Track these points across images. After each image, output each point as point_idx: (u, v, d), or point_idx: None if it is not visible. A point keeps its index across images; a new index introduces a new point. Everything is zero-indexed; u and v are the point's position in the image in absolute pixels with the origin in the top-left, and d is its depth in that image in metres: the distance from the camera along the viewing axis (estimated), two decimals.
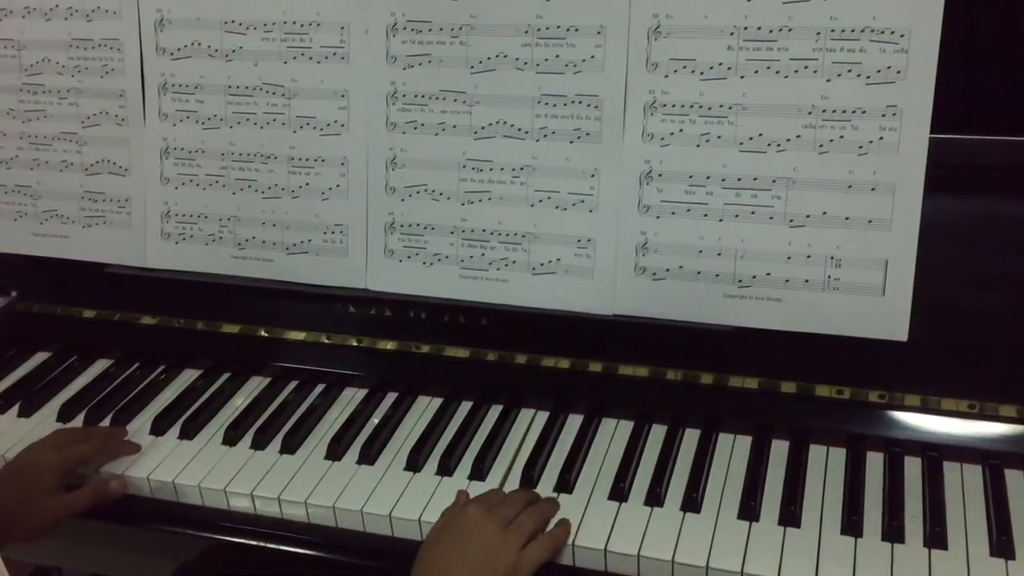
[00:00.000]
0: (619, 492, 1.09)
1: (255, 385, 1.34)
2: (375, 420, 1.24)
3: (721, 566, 0.99)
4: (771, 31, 1.06)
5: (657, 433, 1.18)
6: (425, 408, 1.26)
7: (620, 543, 1.02)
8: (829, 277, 1.09)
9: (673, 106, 1.11)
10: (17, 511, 1.09)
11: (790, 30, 1.06)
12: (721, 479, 1.10)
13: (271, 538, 1.13)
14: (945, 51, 1.01)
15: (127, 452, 1.20)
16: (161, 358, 1.40)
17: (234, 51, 1.28)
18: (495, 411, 1.24)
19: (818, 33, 1.05)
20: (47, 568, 1.66)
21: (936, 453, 1.10)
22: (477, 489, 1.10)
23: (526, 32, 1.15)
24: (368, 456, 1.17)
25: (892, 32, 1.02)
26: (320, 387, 1.32)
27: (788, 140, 1.08)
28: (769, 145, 1.08)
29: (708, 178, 1.11)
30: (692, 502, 1.06)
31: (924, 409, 1.10)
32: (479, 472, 1.14)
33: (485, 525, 1.01)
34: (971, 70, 1.05)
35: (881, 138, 1.05)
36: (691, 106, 1.10)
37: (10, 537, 1.08)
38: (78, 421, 1.29)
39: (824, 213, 1.08)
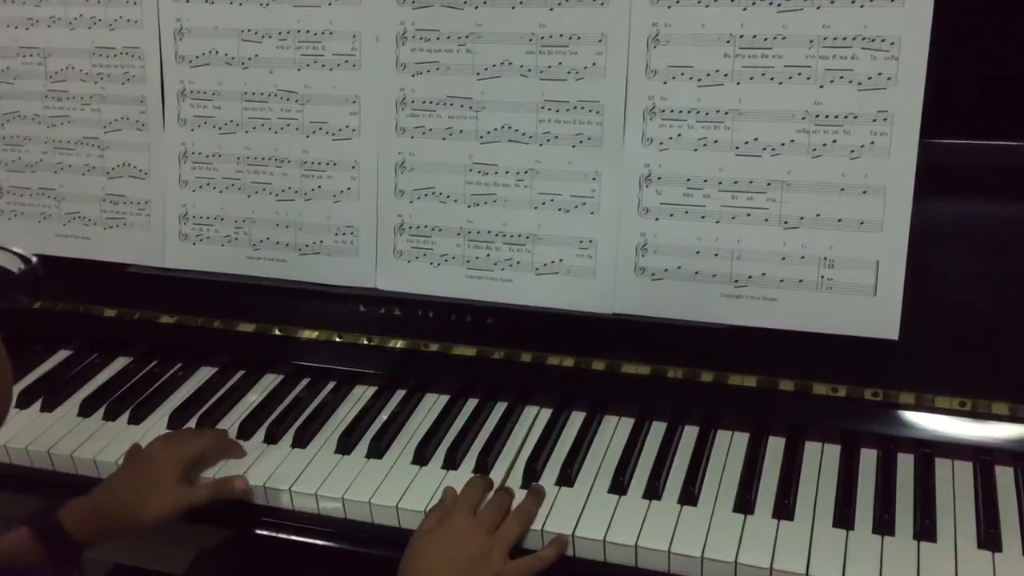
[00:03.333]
0: (619, 485, 1.12)
1: (269, 382, 1.38)
2: (384, 416, 1.27)
3: (716, 556, 1.01)
4: (766, 39, 1.09)
5: (657, 429, 1.21)
6: (433, 404, 1.29)
7: (619, 534, 1.05)
8: (822, 277, 1.11)
9: (672, 111, 1.14)
10: (144, 497, 1.11)
11: (784, 38, 1.09)
12: (718, 474, 1.13)
13: (282, 528, 1.16)
14: (934, 58, 1.04)
15: (235, 452, 1.22)
16: (179, 355, 1.43)
17: (250, 59, 1.32)
18: (500, 407, 1.27)
19: (811, 41, 1.08)
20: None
21: (928, 449, 1.12)
22: None
23: (530, 40, 1.19)
24: (377, 450, 1.21)
25: (883, 40, 1.05)
26: (331, 384, 1.35)
27: (782, 144, 1.11)
28: (764, 149, 1.11)
29: (705, 181, 1.14)
30: (689, 495, 1.09)
31: (917, 406, 1.11)
32: (483, 466, 1.17)
33: (472, 535, 1.03)
34: (959, 76, 1.07)
35: (872, 142, 1.07)
36: (689, 111, 1.14)
37: (137, 522, 1.10)
38: (98, 416, 1.33)
39: (817, 215, 1.11)
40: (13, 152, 1.47)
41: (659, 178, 1.16)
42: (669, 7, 1.12)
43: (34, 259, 0.96)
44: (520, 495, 1.11)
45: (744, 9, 1.09)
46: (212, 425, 1.29)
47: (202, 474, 1.19)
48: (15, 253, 1.07)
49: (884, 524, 1.03)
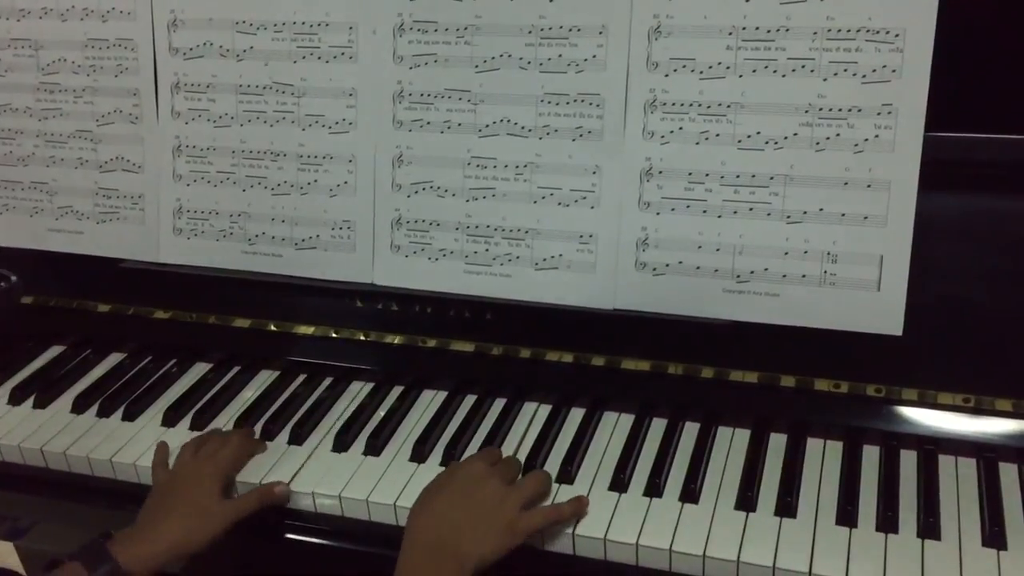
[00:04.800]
0: (619, 483, 1.11)
1: (265, 378, 1.37)
2: (381, 412, 1.26)
3: (718, 555, 1.01)
4: (769, 31, 1.08)
5: (657, 426, 1.20)
6: (431, 401, 1.29)
7: (619, 532, 1.04)
8: (825, 272, 1.10)
9: (673, 104, 1.13)
10: (190, 521, 1.08)
11: (787, 30, 1.07)
12: (719, 471, 1.12)
13: (278, 526, 1.15)
14: (939, 50, 1.02)
15: (260, 449, 1.21)
16: (173, 351, 1.42)
17: (245, 51, 1.30)
18: (499, 404, 1.26)
19: (815, 33, 1.07)
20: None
21: (932, 446, 1.11)
22: None
23: (529, 32, 1.17)
24: (374, 447, 1.20)
25: (887, 32, 1.04)
26: (328, 380, 1.34)
27: (785, 138, 1.09)
28: (767, 143, 1.10)
29: (707, 175, 1.13)
30: (690, 493, 1.08)
31: (920, 403, 1.11)
32: None
33: (488, 479, 1.03)
34: (965, 69, 1.06)
35: (877, 136, 1.06)
36: (691, 104, 1.12)
37: (189, 546, 1.07)
38: (92, 413, 1.31)
39: (821, 209, 1.10)
40: (4, 145, 1.45)
41: (660, 172, 1.15)
42: None
43: (14, 278, 0.93)
44: None
45: (747, 0, 1.08)
46: (208, 422, 1.28)
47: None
48: None
49: (888, 522, 1.02)
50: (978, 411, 1.09)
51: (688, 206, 1.14)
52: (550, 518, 1.04)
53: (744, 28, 1.09)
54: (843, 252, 1.09)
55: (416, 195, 1.26)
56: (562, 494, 1.10)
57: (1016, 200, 1.07)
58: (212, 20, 1.31)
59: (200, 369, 1.40)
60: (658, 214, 1.16)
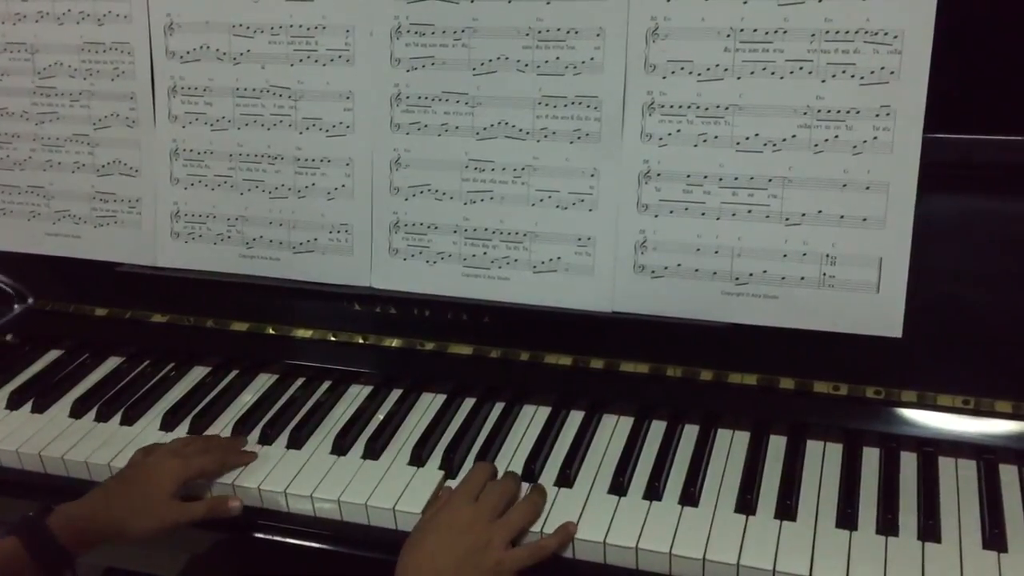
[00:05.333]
0: (618, 486, 1.11)
1: (263, 382, 1.36)
2: (380, 416, 1.26)
3: (717, 558, 1.00)
4: (767, 33, 1.08)
5: (657, 429, 1.19)
6: (429, 404, 1.28)
7: (619, 536, 1.04)
8: (824, 275, 1.10)
9: (671, 107, 1.13)
10: (134, 509, 1.08)
11: (785, 32, 1.07)
12: (719, 474, 1.12)
13: (277, 531, 1.15)
14: (938, 52, 1.02)
15: (246, 462, 1.19)
16: (171, 355, 1.42)
17: (242, 54, 1.30)
18: (498, 407, 1.26)
19: (813, 35, 1.06)
20: None
21: (931, 448, 1.11)
22: None
23: (527, 34, 1.17)
24: (373, 451, 1.19)
25: (886, 33, 1.04)
26: (326, 384, 1.33)
27: (784, 140, 1.09)
28: (765, 145, 1.10)
29: (705, 177, 1.13)
30: (690, 496, 1.08)
31: (920, 405, 1.11)
32: None
33: (473, 524, 1.02)
34: (964, 70, 1.06)
35: (875, 138, 1.06)
36: (688, 107, 1.12)
37: (123, 535, 1.08)
38: (90, 417, 1.31)
39: (819, 212, 1.09)
40: (1, 149, 1.45)
41: (658, 174, 1.15)
42: (668, 0, 1.10)
43: (30, 299, 0.93)
44: (525, 488, 1.10)
45: (744, 2, 1.08)
46: (206, 426, 1.28)
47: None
48: (10, 287, 1.04)
49: (888, 524, 1.02)
50: (978, 413, 1.09)
51: (686, 208, 1.14)
52: (537, 556, 1.03)
53: (742, 30, 1.09)
54: (842, 254, 1.09)
55: (414, 198, 1.25)
56: (561, 498, 1.10)
57: (1016, 201, 1.07)
58: (208, 23, 1.31)
59: (198, 373, 1.39)
60: (656, 216, 1.15)
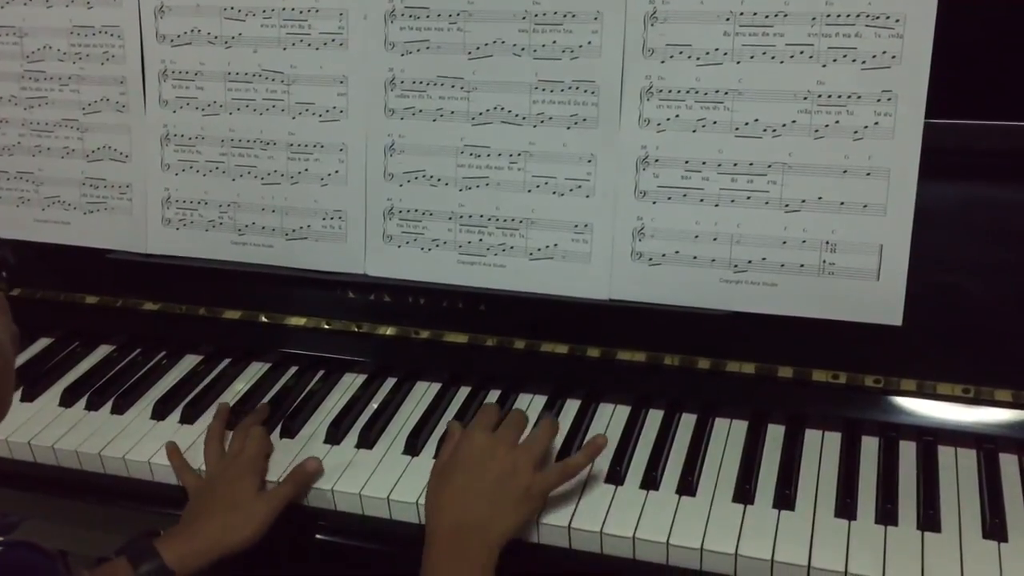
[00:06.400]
0: (615, 476, 1.10)
1: (256, 370, 1.35)
2: (374, 405, 1.25)
3: (716, 548, 1.00)
4: (767, 16, 1.06)
5: (654, 417, 1.19)
6: (424, 393, 1.27)
7: (616, 525, 1.03)
8: (824, 262, 1.09)
9: (669, 92, 1.11)
10: (235, 524, 1.06)
11: (786, 15, 1.06)
12: (717, 463, 1.11)
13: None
14: (940, 36, 1.01)
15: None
16: (163, 344, 1.41)
17: (233, 38, 1.28)
18: (493, 396, 1.25)
19: (813, 18, 1.05)
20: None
21: (931, 437, 1.11)
22: None
23: (523, 18, 1.15)
24: (367, 440, 1.18)
25: (887, 17, 1.03)
26: (320, 372, 1.32)
27: (784, 125, 1.08)
28: (765, 130, 1.09)
29: (704, 163, 1.11)
30: (688, 485, 1.07)
31: (920, 394, 1.10)
32: None
33: (495, 450, 1.02)
34: (966, 55, 1.05)
35: (876, 123, 1.05)
36: (687, 92, 1.11)
37: (235, 547, 1.05)
38: (80, 406, 1.30)
39: (819, 198, 1.08)
40: None
41: (656, 160, 1.13)
42: None
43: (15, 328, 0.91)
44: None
45: None
46: (198, 415, 1.27)
47: (199, 462, 1.17)
48: None
49: (887, 514, 1.02)
50: (978, 401, 1.08)
51: (685, 195, 1.13)
52: (566, 474, 1.03)
53: (741, 13, 1.07)
54: (842, 241, 1.08)
55: (408, 184, 1.24)
56: (559, 487, 1.08)
57: (1018, 189, 1.06)
58: (199, 6, 1.29)
59: (190, 361, 1.38)
60: (654, 203, 1.14)
